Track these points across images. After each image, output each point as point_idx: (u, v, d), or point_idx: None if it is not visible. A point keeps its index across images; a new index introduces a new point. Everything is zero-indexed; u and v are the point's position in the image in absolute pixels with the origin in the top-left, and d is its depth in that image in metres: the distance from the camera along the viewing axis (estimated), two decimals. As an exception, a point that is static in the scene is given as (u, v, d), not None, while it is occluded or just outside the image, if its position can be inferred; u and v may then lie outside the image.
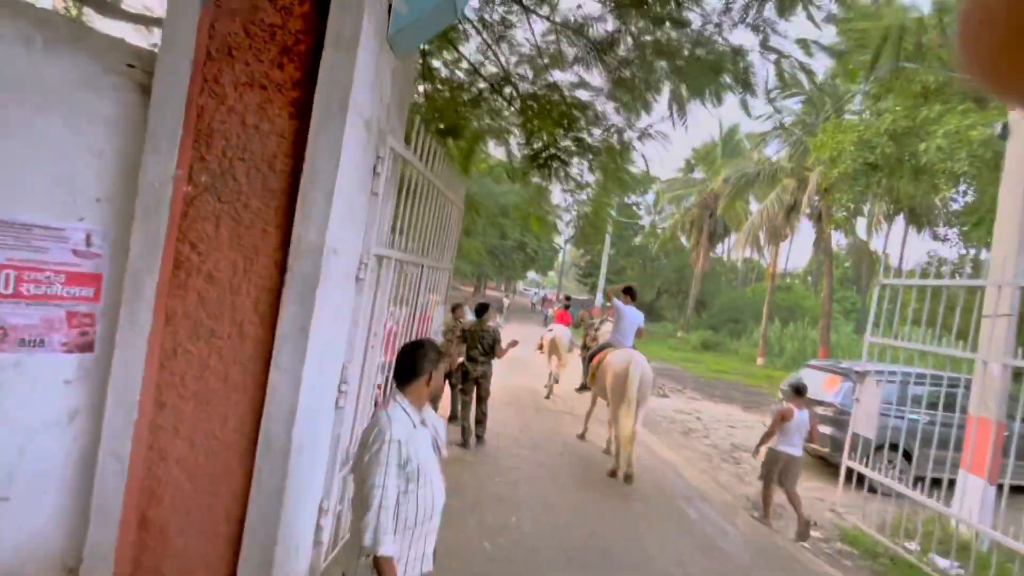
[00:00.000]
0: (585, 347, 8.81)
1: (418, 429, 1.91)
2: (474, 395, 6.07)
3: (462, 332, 6.04)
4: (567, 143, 5.33)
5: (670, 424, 9.43)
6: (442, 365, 1.99)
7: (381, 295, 3.04)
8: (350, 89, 2.21)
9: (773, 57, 4.56)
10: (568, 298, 14.69)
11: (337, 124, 2.21)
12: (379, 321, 3.10)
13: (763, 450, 5.18)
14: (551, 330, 10.36)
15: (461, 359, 6.06)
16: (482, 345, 5.94)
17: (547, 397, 9.62)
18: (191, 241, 2.24)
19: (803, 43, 4.90)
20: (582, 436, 7.21)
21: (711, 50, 4.45)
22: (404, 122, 3.22)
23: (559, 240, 39.51)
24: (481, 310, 6.14)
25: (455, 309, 6.78)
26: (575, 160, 5.75)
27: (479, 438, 6.13)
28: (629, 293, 6.96)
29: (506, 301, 27.27)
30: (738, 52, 4.47)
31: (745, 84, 4.72)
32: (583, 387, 8.07)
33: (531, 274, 50.87)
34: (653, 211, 39.14)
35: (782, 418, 4.96)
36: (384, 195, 2.82)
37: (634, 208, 37.69)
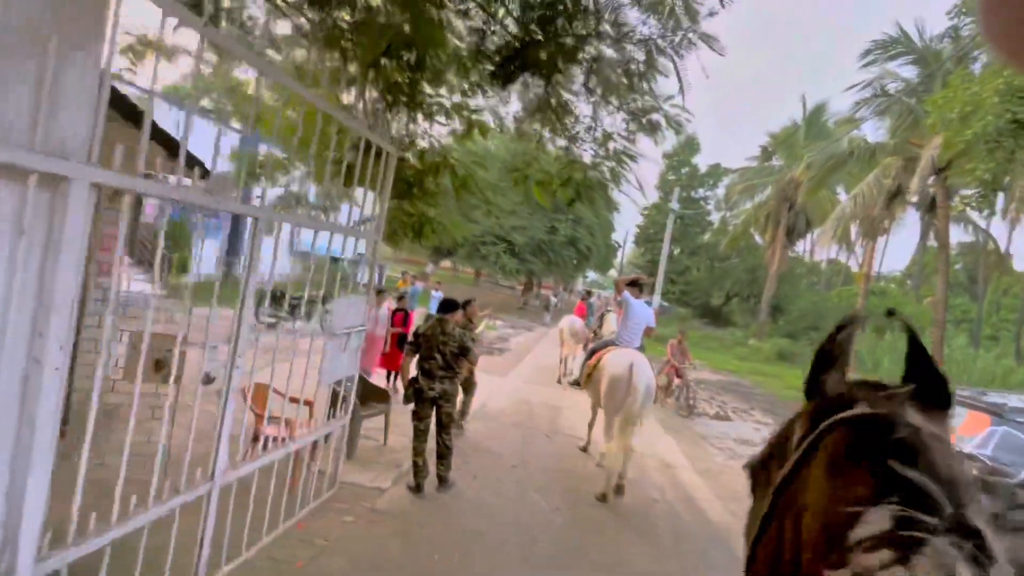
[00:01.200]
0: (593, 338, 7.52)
1: None
2: (432, 421, 4.40)
3: (415, 336, 4.40)
4: (552, 45, 3.50)
5: (729, 458, 7.26)
6: None
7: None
8: None
9: None
10: (588, 292, 16.01)
11: None
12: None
13: None
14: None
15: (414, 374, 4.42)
16: (442, 355, 4.26)
17: (558, 381, 9.98)
18: None
19: None
20: (584, 448, 6.32)
21: None
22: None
23: (616, 237, 37.14)
24: (446, 308, 4.46)
25: (465, 305, 5.92)
26: (566, 77, 3.92)
27: (441, 480, 4.46)
28: (636, 285, 5.90)
29: (553, 299, 25.63)
30: None
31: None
32: (576, 383, 6.69)
33: (592, 274, 48.48)
34: (723, 206, 35.77)
35: None
36: None
37: (701, 203, 34.55)
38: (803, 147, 22.51)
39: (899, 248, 53.84)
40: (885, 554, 0.46)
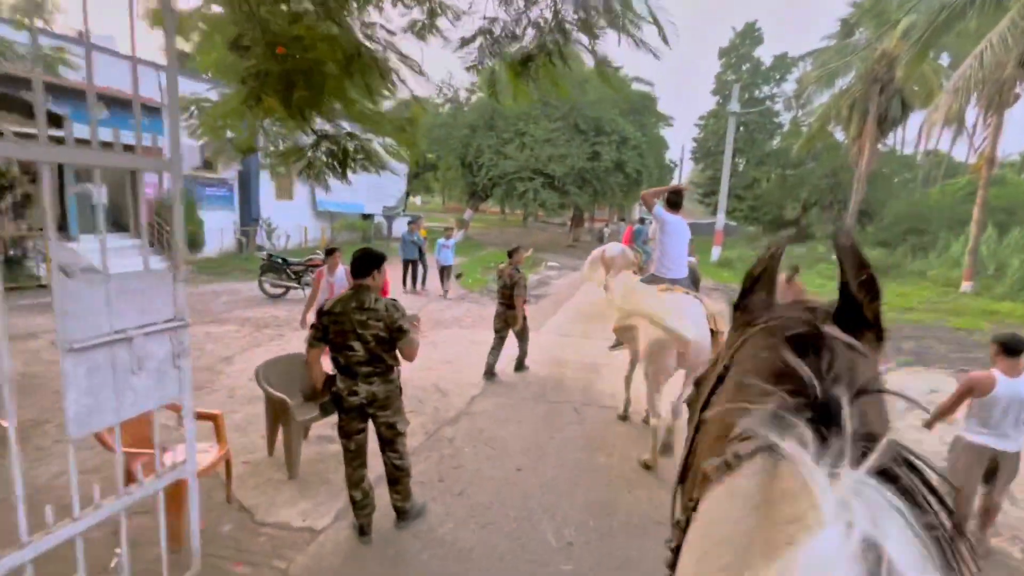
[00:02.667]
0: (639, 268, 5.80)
1: None
2: (367, 436, 2.97)
3: (318, 318, 2.86)
4: None
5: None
6: None
7: None
8: None
9: None
10: (642, 220, 13.22)
11: None
12: None
13: (937, 426, 3.51)
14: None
15: (332, 373, 2.94)
16: (363, 342, 2.76)
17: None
18: None
19: None
20: (624, 416, 5.07)
21: None
22: None
23: (671, 155, 33.52)
24: (362, 266, 2.83)
25: (512, 254, 5.99)
26: None
27: (400, 513, 3.10)
28: (671, 202, 4.49)
29: (607, 230, 23.82)
30: None
31: None
32: (617, 343, 5.26)
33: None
34: (794, 104, 31.00)
35: (969, 389, 3.16)
36: None
37: (767, 102, 30.08)
38: (899, 8, 18.21)
39: (1013, 128, 44.47)
40: (753, 442, 0.54)
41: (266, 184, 15.83)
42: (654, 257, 4.89)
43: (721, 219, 19.28)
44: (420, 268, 11.45)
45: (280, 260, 9.86)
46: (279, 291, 9.95)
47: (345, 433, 2.89)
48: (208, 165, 13.40)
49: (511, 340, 6.26)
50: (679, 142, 65.91)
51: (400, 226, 15.03)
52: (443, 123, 23.71)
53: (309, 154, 3.49)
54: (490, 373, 6.05)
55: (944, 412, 3.30)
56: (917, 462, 0.52)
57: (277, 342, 7.06)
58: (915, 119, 23.20)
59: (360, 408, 2.83)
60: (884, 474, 0.48)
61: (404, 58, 3.31)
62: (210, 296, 9.86)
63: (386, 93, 3.55)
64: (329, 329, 2.76)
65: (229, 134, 3.96)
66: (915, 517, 0.46)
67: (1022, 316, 10.97)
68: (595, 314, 10.30)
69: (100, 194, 2.29)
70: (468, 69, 3.77)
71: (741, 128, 28.19)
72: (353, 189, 20.24)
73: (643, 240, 11.41)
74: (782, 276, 6.54)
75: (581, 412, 5.19)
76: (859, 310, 0.64)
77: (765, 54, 30.92)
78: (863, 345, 0.63)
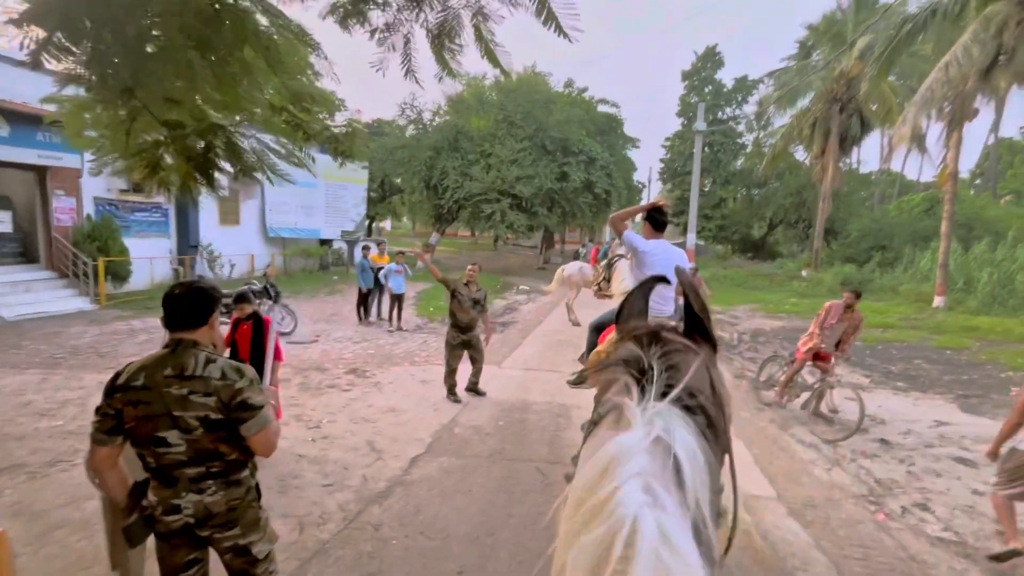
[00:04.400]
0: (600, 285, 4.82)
1: None
2: (202, 567, 1.93)
3: (108, 397, 1.81)
4: None
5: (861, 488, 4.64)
6: None
7: None
8: None
9: None
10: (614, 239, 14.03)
11: None
12: None
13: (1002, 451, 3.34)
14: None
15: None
16: (185, 431, 1.74)
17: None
18: None
19: None
20: None
21: None
22: None
23: (639, 176, 33.53)
24: (184, 316, 1.82)
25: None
26: None
27: None
28: (654, 220, 3.54)
29: (582, 250, 23.67)
30: None
31: None
32: (579, 379, 3.89)
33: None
34: (755, 125, 31.53)
35: None
36: None
37: (730, 123, 30.42)
38: (854, 30, 18.51)
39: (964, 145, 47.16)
40: (608, 403, 0.96)
41: (209, 208, 14.57)
42: (625, 290, 4.05)
43: (692, 239, 18.86)
44: (375, 297, 10.43)
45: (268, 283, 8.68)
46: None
47: (169, 569, 1.84)
48: (137, 188, 12.13)
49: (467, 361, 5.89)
50: (646, 164, 66.85)
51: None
52: (405, 144, 22.90)
53: (154, 154, 2.52)
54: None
55: (1007, 435, 3.27)
56: (697, 397, 0.92)
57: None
58: (871, 139, 23.67)
59: (187, 530, 1.81)
60: (680, 404, 0.88)
61: (276, 17, 2.40)
62: (124, 335, 8.57)
63: (268, 76, 2.63)
64: (124, 414, 1.73)
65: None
66: (693, 422, 0.87)
67: (1002, 332, 10.63)
68: (565, 341, 9.42)
69: None
70: (375, 67, 2.89)
71: (706, 149, 28.33)
72: (309, 213, 19.12)
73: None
74: (839, 303, 5.41)
75: (546, 474, 4.23)
76: (699, 323, 1.07)
77: (726, 77, 31.40)
78: (696, 344, 1.07)
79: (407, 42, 2.73)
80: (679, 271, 1.25)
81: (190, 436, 1.75)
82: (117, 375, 1.78)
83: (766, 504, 3.92)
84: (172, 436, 1.74)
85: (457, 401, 5.86)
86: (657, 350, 0.99)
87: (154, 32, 2.10)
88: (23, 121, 9.50)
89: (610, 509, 0.72)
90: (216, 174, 2.67)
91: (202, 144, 2.52)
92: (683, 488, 0.77)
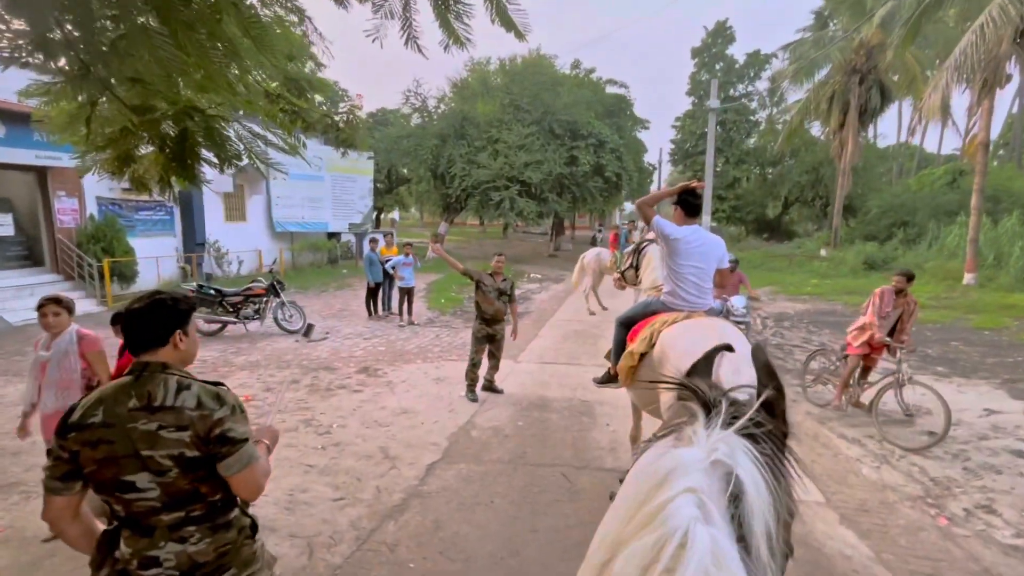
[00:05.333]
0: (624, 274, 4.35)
1: None
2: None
3: (61, 434, 1.47)
4: None
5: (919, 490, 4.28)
6: None
7: None
8: None
9: None
10: (632, 221, 13.57)
11: None
12: None
13: None
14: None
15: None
16: (155, 473, 1.44)
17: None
18: None
19: None
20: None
21: None
22: None
23: (650, 158, 32.80)
24: (145, 328, 1.52)
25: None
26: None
27: None
28: (687, 204, 3.19)
29: (599, 235, 23.61)
30: None
31: None
32: (606, 378, 3.74)
33: (629, 204, 44.65)
34: (768, 102, 30.58)
35: None
36: None
37: (744, 101, 29.54)
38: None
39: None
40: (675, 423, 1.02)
41: (214, 204, 14.36)
42: (656, 282, 3.69)
43: (707, 221, 18.31)
44: (386, 290, 10.17)
45: (213, 291, 8.45)
46: (215, 327, 8.54)
47: None
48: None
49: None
50: (656, 145, 65.67)
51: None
52: (410, 134, 22.46)
53: (124, 144, 2.20)
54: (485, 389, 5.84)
55: None
56: (765, 426, 0.92)
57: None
58: (889, 112, 22.77)
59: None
60: (745, 433, 0.89)
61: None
62: (130, 338, 8.38)
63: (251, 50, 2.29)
64: (81, 456, 1.44)
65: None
66: (758, 451, 0.85)
67: (1041, 309, 10.10)
68: (582, 331, 9.09)
69: None
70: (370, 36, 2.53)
71: (719, 127, 27.53)
72: (315, 206, 18.85)
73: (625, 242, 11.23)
74: (889, 288, 4.74)
75: (572, 481, 3.92)
76: (770, 408, 0.99)
77: (737, 52, 30.37)
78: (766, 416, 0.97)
79: (407, 5, 2.37)
80: (756, 351, 1.14)
81: (163, 479, 1.45)
82: (71, 410, 1.48)
83: (815, 510, 3.59)
84: (141, 480, 1.44)
85: (474, 400, 5.57)
86: (722, 399, 1.01)
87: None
88: (19, 121, 9.27)
89: (663, 518, 0.75)
90: (196, 165, 2.35)
91: (176, 131, 2.20)
92: (739, 510, 0.79)
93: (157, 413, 1.45)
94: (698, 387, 1.02)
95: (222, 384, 1.58)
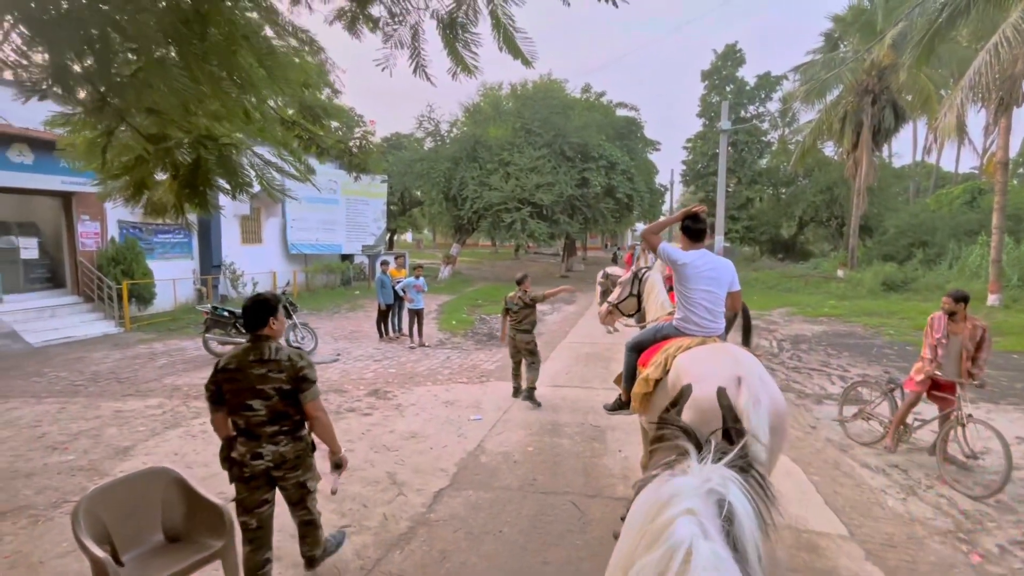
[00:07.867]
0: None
1: None
2: (270, 510, 2.66)
3: (215, 376, 2.33)
4: None
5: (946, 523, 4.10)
6: None
7: None
8: None
9: None
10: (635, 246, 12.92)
11: None
12: None
13: None
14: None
15: None
16: (265, 398, 2.51)
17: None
18: None
19: None
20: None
21: None
22: None
23: (661, 179, 32.88)
24: (253, 316, 2.54)
25: (521, 282, 6.44)
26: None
27: (310, 562, 2.82)
28: (688, 230, 3.20)
29: (620, 254, 23.95)
30: None
31: None
32: (617, 404, 3.68)
33: (640, 225, 44.69)
34: (779, 122, 30.59)
35: None
36: None
37: (755, 122, 29.60)
38: (886, 18, 17.73)
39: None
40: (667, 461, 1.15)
41: (231, 227, 14.64)
42: (665, 307, 3.65)
43: (720, 241, 18.19)
44: (396, 312, 10.20)
45: (226, 312, 8.55)
46: (228, 348, 8.60)
47: (245, 508, 2.57)
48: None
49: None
50: (667, 166, 66.02)
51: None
52: (424, 157, 22.83)
53: (139, 173, 2.26)
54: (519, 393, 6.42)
55: None
56: (756, 465, 1.10)
57: (202, 419, 5.67)
58: (904, 131, 22.60)
59: (266, 473, 2.54)
60: (734, 467, 1.04)
61: (270, 14, 2.10)
62: (145, 359, 8.47)
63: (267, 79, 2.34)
64: (223, 388, 2.49)
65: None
66: (747, 483, 1.00)
67: (1071, 332, 9.76)
68: (593, 354, 8.98)
69: None
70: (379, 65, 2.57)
71: (730, 148, 27.57)
72: (329, 229, 19.12)
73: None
74: (939, 315, 4.30)
75: (584, 510, 3.81)
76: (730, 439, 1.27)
77: (747, 74, 30.54)
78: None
79: (415, 35, 2.41)
80: (720, 396, 1.59)
81: (268, 403, 2.47)
82: (218, 362, 2.51)
83: (839, 545, 3.43)
84: (256, 403, 2.46)
85: (538, 405, 6.17)
86: (713, 441, 1.20)
87: (121, 28, 1.82)
88: (46, 148, 9.61)
89: (667, 535, 0.86)
90: (209, 192, 2.39)
91: (190, 159, 2.24)
92: (732, 530, 0.92)
93: (265, 363, 2.46)
94: (688, 428, 1.23)
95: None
